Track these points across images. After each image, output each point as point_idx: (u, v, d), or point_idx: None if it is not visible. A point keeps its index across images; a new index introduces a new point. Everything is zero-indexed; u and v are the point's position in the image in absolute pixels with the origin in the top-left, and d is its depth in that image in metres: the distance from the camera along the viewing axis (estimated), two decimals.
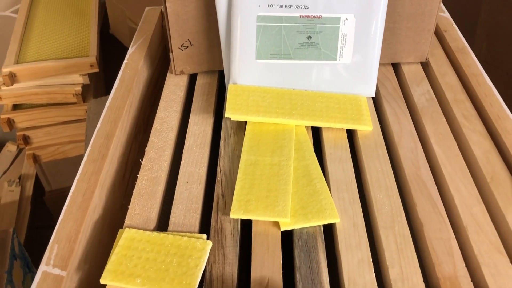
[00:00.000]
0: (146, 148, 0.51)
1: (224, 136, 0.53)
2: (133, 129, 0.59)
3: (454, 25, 0.69)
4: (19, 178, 1.21)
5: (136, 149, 0.60)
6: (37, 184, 1.25)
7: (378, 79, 0.58)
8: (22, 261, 0.93)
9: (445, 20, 0.70)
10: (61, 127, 1.03)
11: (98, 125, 0.54)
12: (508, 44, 1.17)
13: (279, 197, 0.44)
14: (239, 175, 0.47)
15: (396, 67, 0.63)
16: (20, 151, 1.30)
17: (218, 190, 0.47)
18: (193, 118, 0.55)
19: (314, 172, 0.47)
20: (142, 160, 0.50)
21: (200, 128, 0.54)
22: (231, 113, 0.53)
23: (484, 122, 0.54)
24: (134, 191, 0.47)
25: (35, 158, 1.06)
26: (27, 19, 1.05)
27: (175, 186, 0.48)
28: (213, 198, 0.46)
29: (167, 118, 0.55)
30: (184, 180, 0.48)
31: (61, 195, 1.25)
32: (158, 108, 0.57)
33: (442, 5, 0.69)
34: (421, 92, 0.58)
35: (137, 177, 0.48)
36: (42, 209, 1.28)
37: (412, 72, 0.61)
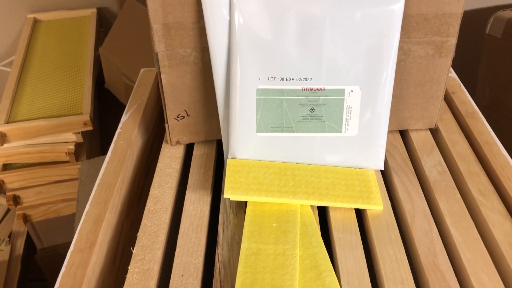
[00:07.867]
0: (138, 234, 0.47)
1: (223, 218, 0.49)
2: (125, 206, 0.55)
3: (462, 86, 0.66)
4: (9, 236, 1.16)
5: (128, 226, 0.56)
6: (28, 240, 1.20)
7: (386, 149, 0.55)
8: None
9: (452, 81, 0.67)
10: (53, 186, 0.99)
11: (87, 207, 0.50)
12: (510, 89, 1.14)
13: None
14: (239, 268, 0.43)
15: (404, 134, 0.60)
16: None
17: (216, 285, 0.43)
18: (189, 196, 0.51)
19: (322, 263, 0.43)
20: (133, 249, 0.46)
21: (196, 207, 0.50)
22: (230, 192, 0.49)
23: (502, 198, 0.50)
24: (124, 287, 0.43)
25: (26, 218, 1.02)
26: (20, 74, 1.03)
27: (169, 278, 0.43)
28: None
29: (161, 196, 0.52)
30: (179, 273, 0.43)
31: (53, 252, 1.20)
32: (152, 184, 0.53)
33: None
34: (432, 163, 0.54)
35: (128, 269, 0.44)
36: (33, 265, 1.22)
37: (421, 140, 0.58)
